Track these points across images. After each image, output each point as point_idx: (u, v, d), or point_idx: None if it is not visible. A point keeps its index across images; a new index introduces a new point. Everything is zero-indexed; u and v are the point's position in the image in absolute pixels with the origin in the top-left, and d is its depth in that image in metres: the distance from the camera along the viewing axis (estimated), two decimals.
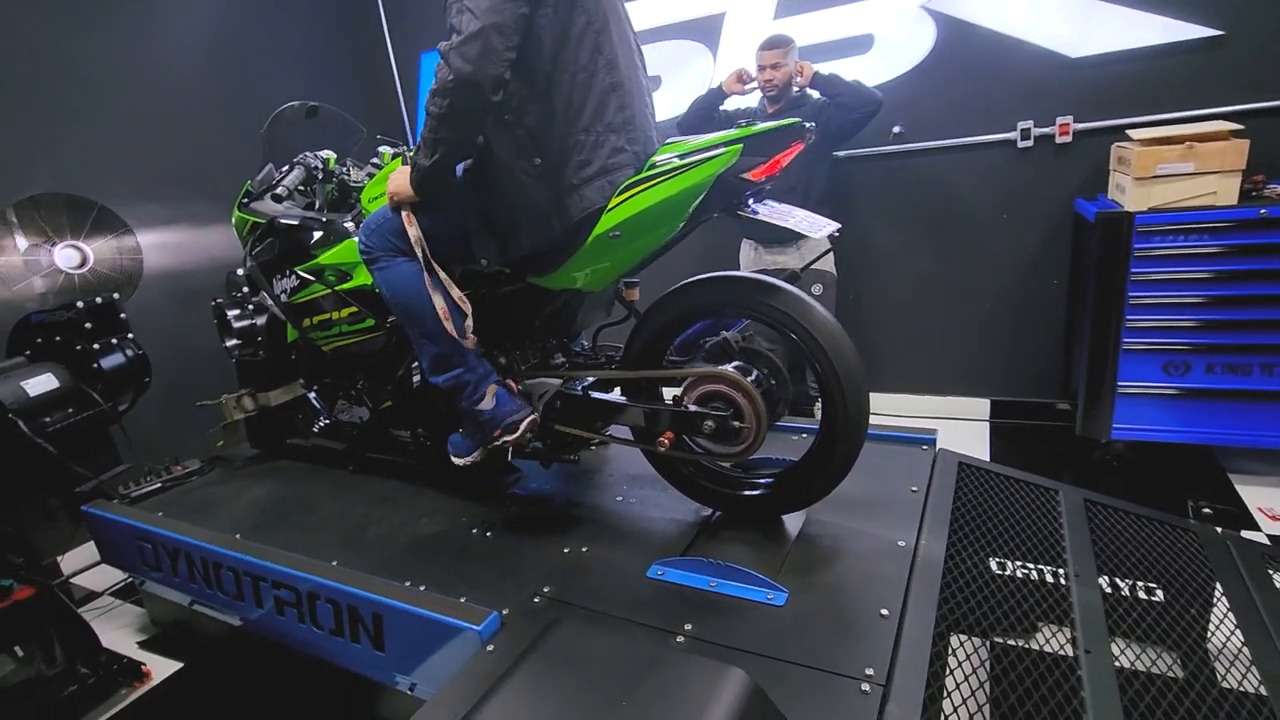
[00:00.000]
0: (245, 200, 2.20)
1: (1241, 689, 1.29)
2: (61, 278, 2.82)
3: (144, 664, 2.16)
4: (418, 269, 1.64)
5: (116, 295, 2.51)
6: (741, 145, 1.37)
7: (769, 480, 1.70)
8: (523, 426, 1.68)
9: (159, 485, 2.36)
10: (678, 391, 1.63)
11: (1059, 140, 2.97)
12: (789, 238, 3.06)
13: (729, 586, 1.50)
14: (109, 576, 2.68)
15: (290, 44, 3.78)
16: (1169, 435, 2.61)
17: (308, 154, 2.10)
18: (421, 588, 1.61)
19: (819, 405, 3.13)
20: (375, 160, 2.22)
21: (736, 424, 1.51)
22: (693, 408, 1.57)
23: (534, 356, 1.88)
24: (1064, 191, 3.01)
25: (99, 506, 2.23)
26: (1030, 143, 3.02)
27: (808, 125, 1.45)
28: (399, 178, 1.60)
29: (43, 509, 2.37)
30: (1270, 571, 1.64)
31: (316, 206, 2.16)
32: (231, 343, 2.45)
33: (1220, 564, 1.66)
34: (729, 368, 1.53)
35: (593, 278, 1.59)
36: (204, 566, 1.95)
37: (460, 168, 1.60)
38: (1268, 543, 2.16)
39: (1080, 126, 2.92)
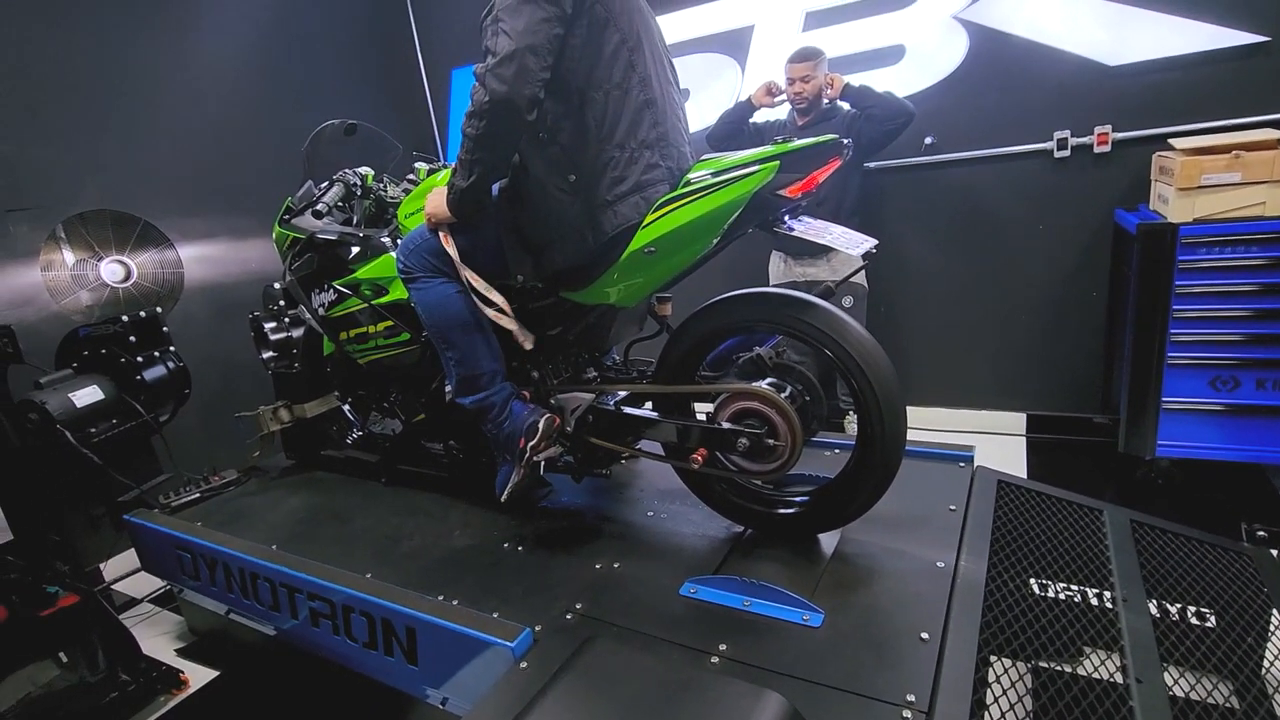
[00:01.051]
0: (286, 216, 2.25)
1: None
2: (107, 291, 2.91)
3: (181, 672, 2.19)
4: (454, 290, 1.66)
5: (159, 309, 2.58)
6: (778, 162, 1.36)
7: (805, 498, 1.67)
8: (541, 425, 1.68)
9: (198, 495, 2.41)
10: (710, 407, 1.62)
11: (1097, 150, 2.91)
12: (818, 250, 3.04)
13: (763, 606, 1.48)
14: (148, 583, 2.74)
15: (325, 62, 3.88)
16: (1218, 453, 2.52)
17: (347, 171, 2.15)
18: (454, 602, 1.62)
19: (849, 418, 3.13)
20: (411, 176, 2.26)
21: (771, 441, 1.49)
22: (727, 425, 1.55)
23: (566, 371, 1.89)
24: (1103, 202, 2.94)
25: (140, 516, 2.28)
26: (1067, 152, 2.96)
27: (845, 142, 1.44)
28: (436, 199, 1.62)
29: (87, 517, 2.43)
30: None
31: (354, 222, 2.20)
32: (268, 355, 2.50)
33: (1277, 589, 1.60)
34: (763, 384, 1.52)
35: (626, 293, 1.59)
36: (241, 576, 1.98)
37: (495, 186, 1.61)
38: None
39: (1119, 136, 2.86)
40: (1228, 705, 1.28)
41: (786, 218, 1.51)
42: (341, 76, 3.98)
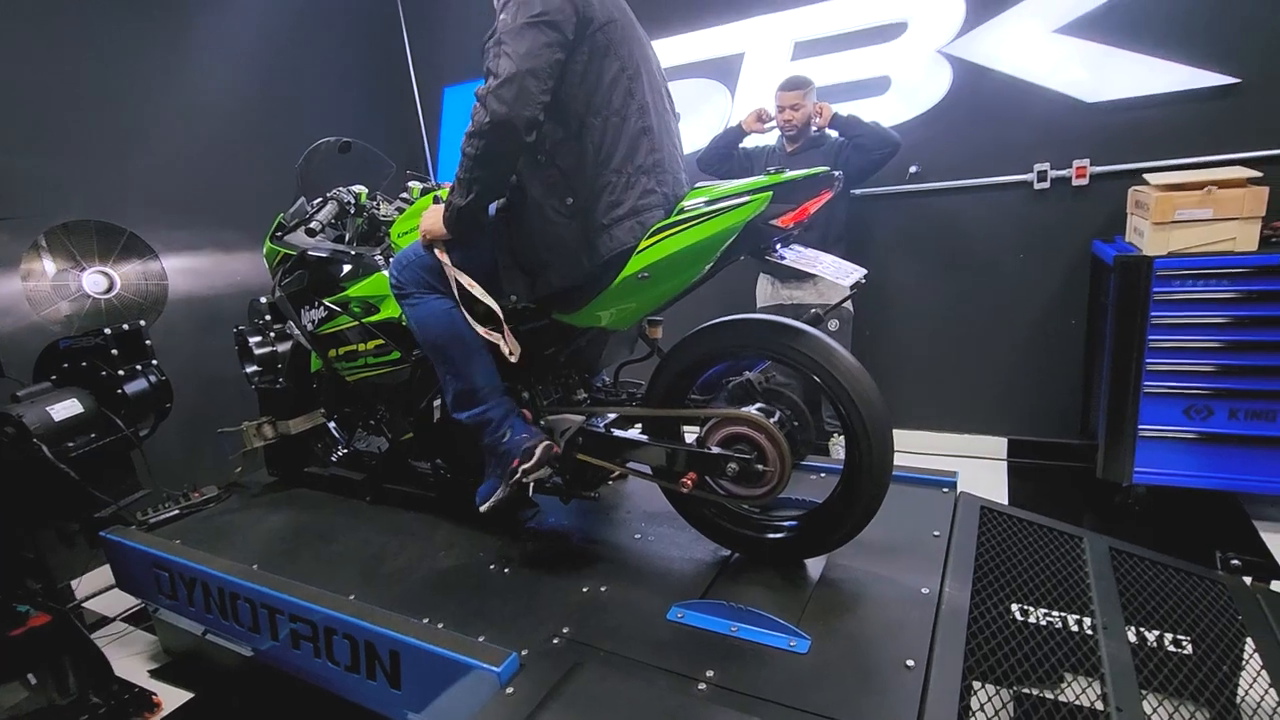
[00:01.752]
0: (279, 233, 2.25)
1: None
2: (89, 302, 2.87)
3: (155, 694, 2.14)
4: (448, 306, 1.67)
5: (143, 323, 2.55)
6: (771, 193, 1.39)
7: (793, 523, 1.68)
8: (539, 452, 1.68)
9: (177, 512, 2.37)
10: (699, 430, 1.63)
11: (1076, 183, 2.99)
12: (806, 274, 3.08)
13: (750, 632, 1.48)
14: (121, 602, 2.67)
15: (318, 79, 3.89)
16: (1192, 480, 2.58)
17: (341, 189, 2.15)
18: (439, 625, 1.60)
19: (834, 441, 3.15)
20: (405, 195, 2.27)
21: (760, 467, 1.51)
22: (716, 450, 1.57)
23: (556, 392, 1.90)
24: (1081, 233, 3.02)
25: (117, 533, 2.23)
26: (1047, 184, 3.04)
27: (836, 175, 1.48)
28: (432, 216, 1.63)
29: (61, 533, 2.38)
30: None
31: (346, 240, 2.20)
32: (251, 369, 2.48)
33: (1251, 617, 1.63)
34: (753, 410, 1.53)
35: (618, 317, 1.61)
36: (220, 596, 1.94)
37: (493, 206, 1.63)
38: None
39: (1097, 170, 2.94)
40: None
41: (778, 246, 1.54)
42: (334, 93, 3.99)
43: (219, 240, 3.34)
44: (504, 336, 1.65)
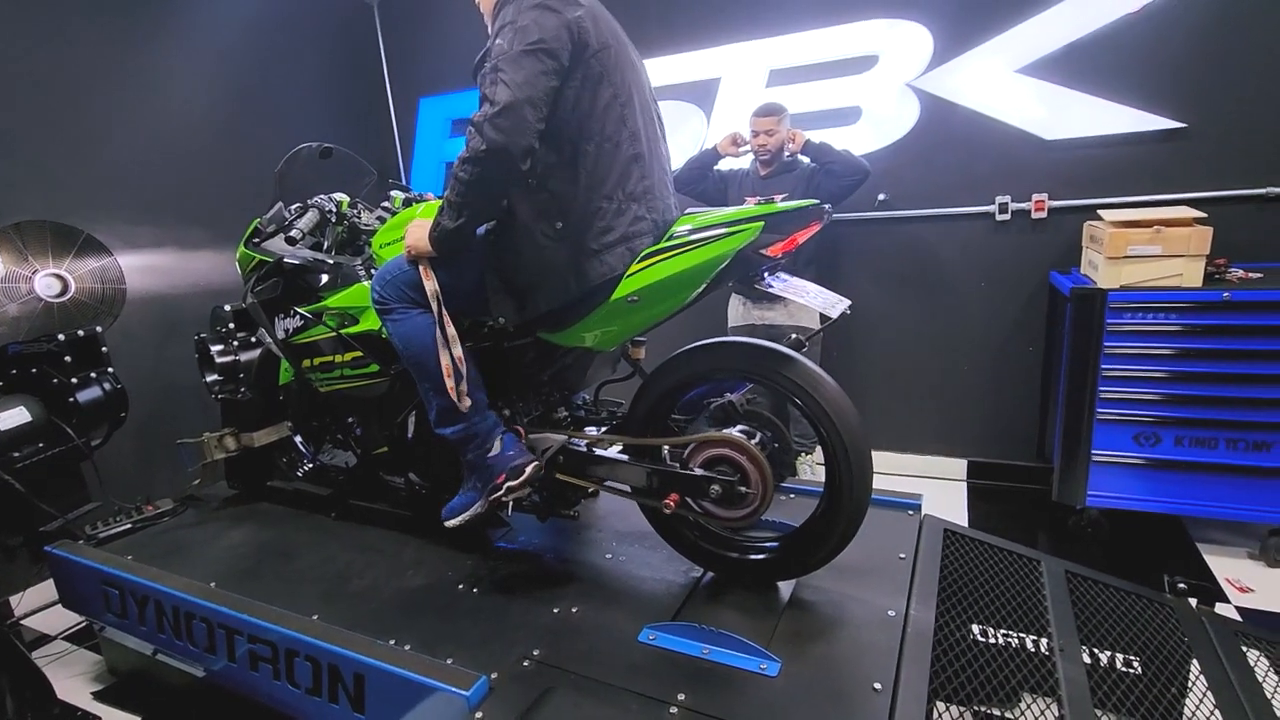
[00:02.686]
0: (255, 240, 2.19)
1: None
2: (40, 305, 2.76)
3: (99, 717, 2.05)
4: (431, 321, 1.66)
5: (100, 329, 2.46)
6: (763, 222, 1.42)
7: (774, 545, 1.70)
8: (528, 471, 1.67)
9: (129, 526, 2.28)
10: (681, 450, 1.64)
11: (1034, 215, 3.11)
12: (777, 296, 3.13)
13: (721, 654, 1.49)
14: (63, 619, 2.55)
15: (292, 85, 3.83)
16: (1141, 504, 2.68)
17: (321, 196, 2.11)
18: (406, 647, 1.58)
19: (801, 459, 3.20)
20: (386, 205, 2.24)
21: (743, 489, 1.52)
22: (699, 471, 1.58)
23: (537, 409, 1.89)
24: (1039, 264, 3.14)
25: (64, 547, 2.14)
26: (1008, 216, 3.16)
27: (826, 208, 1.52)
28: (417, 232, 1.61)
29: (2, 547, 2.27)
30: (1244, 649, 1.69)
31: (324, 248, 2.17)
32: (212, 378, 2.41)
33: (1196, 639, 1.70)
34: (735, 432, 1.55)
35: (603, 338, 1.61)
36: (174, 615, 1.87)
37: (482, 228, 1.63)
38: (1239, 617, 2.21)
39: (1055, 204, 3.07)
40: None
41: (766, 275, 1.57)
42: (305, 99, 3.94)
43: (181, 244, 3.25)
44: (454, 388, 1.62)
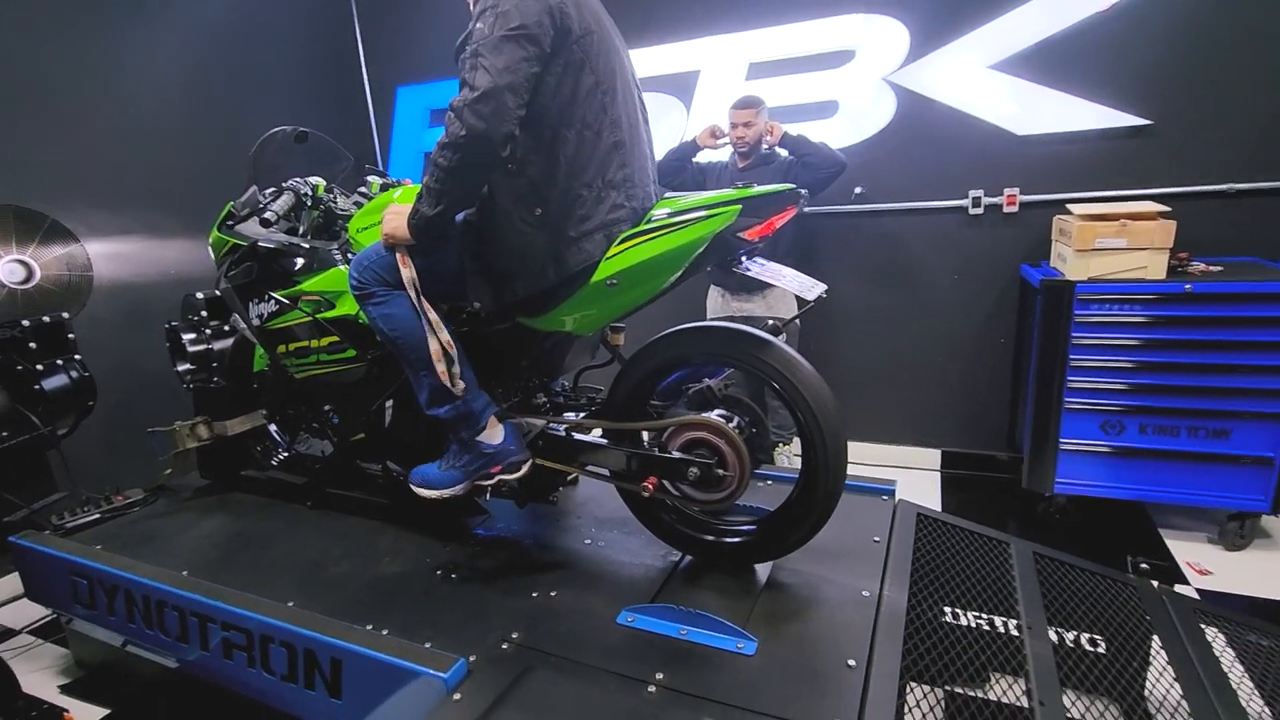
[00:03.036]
0: (229, 222, 2.16)
1: None
2: (3, 292, 2.69)
3: (66, 710, 2.01)
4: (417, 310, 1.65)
5: (66, 315, 2.40)
6: (741, 206, 1.43)
7: (751, 528, 1.72)
8: (524, 469, 1.69)
9: (97, 516, 2.24)
10: (659, 435, 1.65)
11: (1006, 210, 3.18)
12: (756, 286, 3.17)
13: (699, 635, 1.51)
14: (28, 612, 2.50)
15: (267, 72, 3.77)
16: (1106, 491, 2.76)
17: (297, 180, 2.08)
18: (384, 632, 1.57)
19: (779, 449, 3.23)
20: (363, 190, 2.22)
21: (721, 472, 1.54)
22: (677, 454, 1.59)
23: (516, 395, 1.89)
24: (1010, 257, 3.21)
25: (29, 538, 2.09)
26: (981, 210, 3.22)
27: (802, 193, 1.53)
28: (395, 219, 1.60)
29: None
30: (1202, 625, 1.75)
31: (300, 232, 2.14)
32: (184, 368, 2.37)
33: (1157, 618, 1.76)
34: (714, 416, 1.57)
35: (583, 322, 1.62)
36: (145, 605, 1.84)
37: (461, 214, 1.62)
38: (1198, 597, 2.29)
39: (1026, 198, 3.14)
40: None
41: (744, 258, 1.58)
42: (282, 87, 3.87)
43: (151, 231, 3.18)
44: (445, 362, 1.62)
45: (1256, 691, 1.56)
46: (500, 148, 1.41)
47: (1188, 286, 2.52)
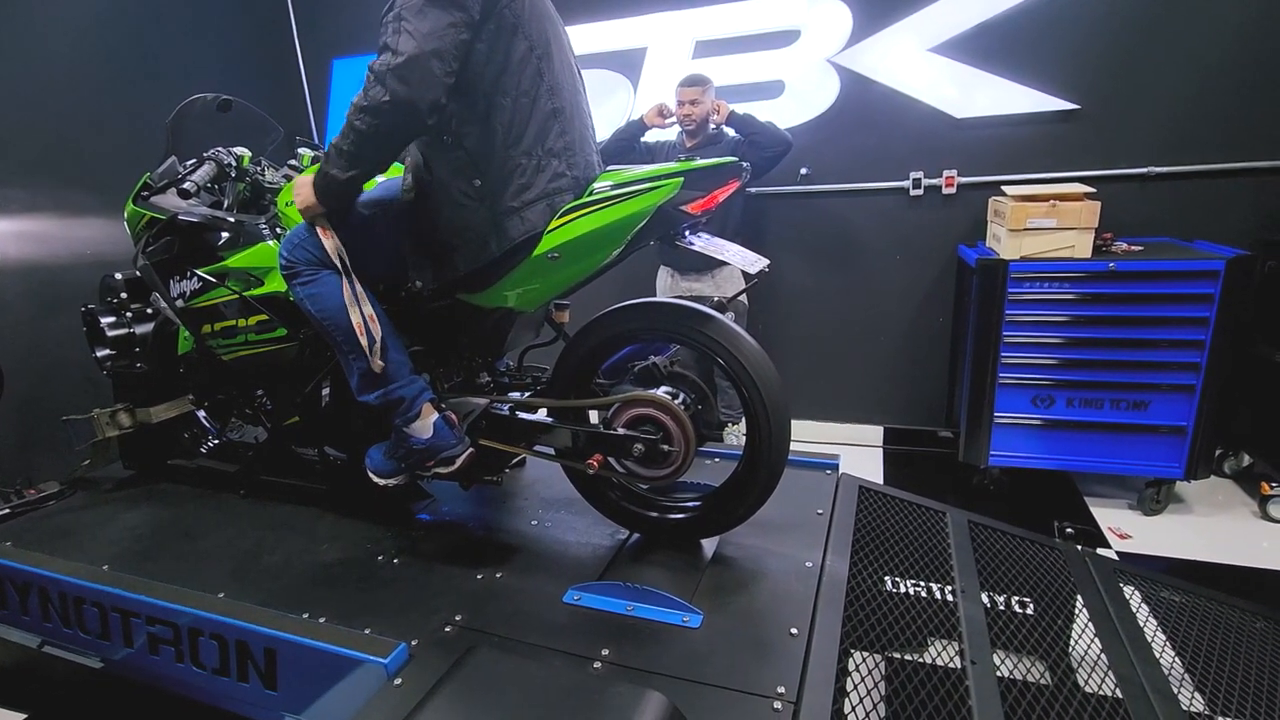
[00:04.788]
0: (144, 194, 2.02)
1: (1100, 693, 1.44)
2: None
3: None
4: (342, 281, 1.59)
5: None
6: (682, 179, 1.42)
7: (696, 503, 1.73)
8: (460, 461, 1.64)
9: (7, 511, 2.10)
10: (605, 412, 1.64)
11: (945, 191, 3.26)
12: (704, 265, 3.17)
13: (646, 610, 1.51)
14: None
15: (195, 38, 3.55)
16: (1036, 462, 2.89)
17: (220, 150, 1.96)
18: (321, 619, 1.52)
19: (728, 429, 3.26)
20: (293, 162, 2.12)
21: (666, 447, 1.54)
22: (622, 431, 1.58)
23: (459, 375, 1.84)
24: (949, 237, 3.30)
25: None
26: (921, 191, 3.29)
27: (744, 166, 1.53)
28: (305, 189, 1.53)
29: None
30: (1121, 584, 1.85)
31: (225, 205, 2.02)
32: (104, 353, 2.23)
33: (1081, 579, 1.85)
34: (659, 392, 1.56)
35: (525, 298, 1.59)
36: (62, 602, 1.74)
37: (393, 188, 1.55)
38: (1118, 559, 2.42)
39: (963, 180, 3.22)
40: (1043, 682, 1.47)
41: (687, 233, 1.58)
42: (207, 56, 3.65)
43: (62, 209, 2.97)
44: (366, 337, 1.57)
45: (1169, 644, 1.66)
46: (427, 116, 1.37)
47: (1111, 265, 2.64)
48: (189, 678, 1.60)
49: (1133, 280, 2.64)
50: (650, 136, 3.23)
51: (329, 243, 1.55)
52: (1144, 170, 2.98)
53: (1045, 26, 2.97)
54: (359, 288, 1.56)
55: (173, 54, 3.44)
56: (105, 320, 2.23)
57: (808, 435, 3.64)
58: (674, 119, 3.12)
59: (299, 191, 1.54)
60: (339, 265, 1.55)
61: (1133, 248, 2.78)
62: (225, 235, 1.92)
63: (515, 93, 1.45)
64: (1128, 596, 1.81)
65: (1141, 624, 1.70)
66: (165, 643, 1.61)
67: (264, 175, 2.03)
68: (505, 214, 1.48)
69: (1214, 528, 2.72)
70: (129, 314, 2.26)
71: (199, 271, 1.89)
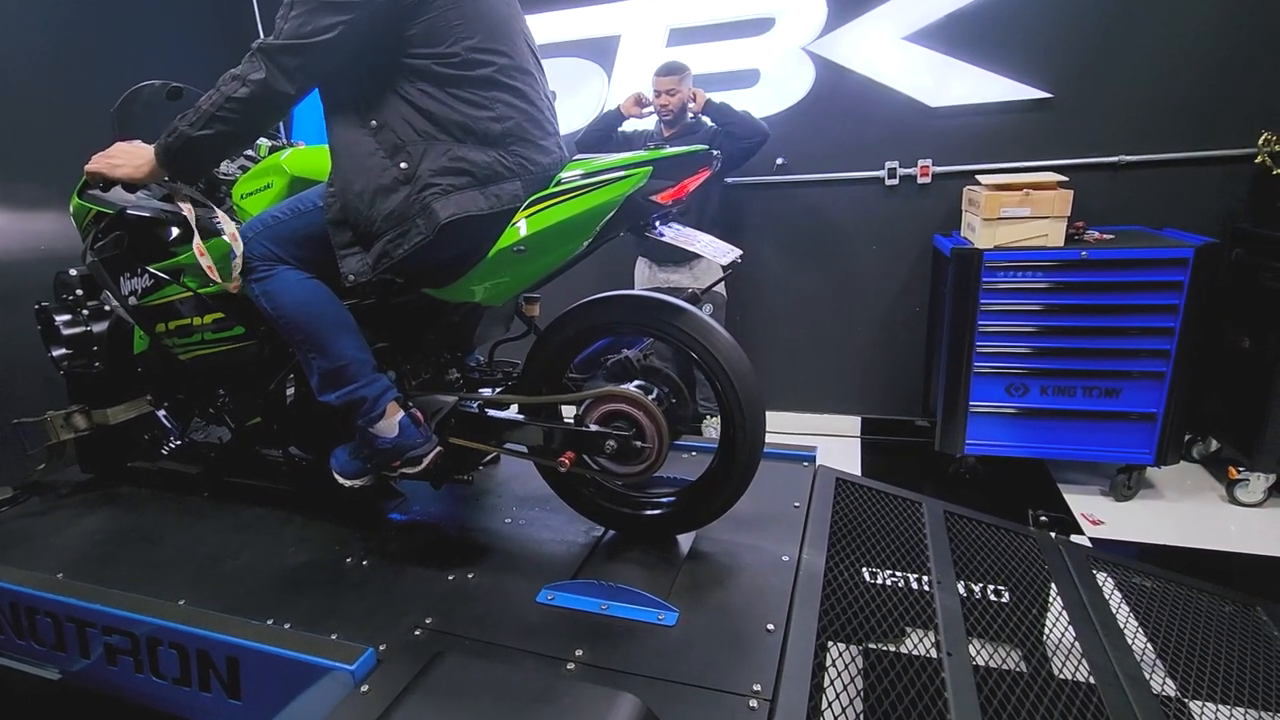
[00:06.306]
0: (90, 187, 1.94)
1: (1075, 679, 1.45)
2: None
3: None
4: (300, 277, 1.54)
5: None
6: (651, 168, 1.38)
7: (670, 499, 1.70)
8: (427, 460, 1.59)
9: None
10: (577, 408, 1.61)
11: (920, 180, 3.26)
12: (683, 257, 3.14)
13: (620, 609, 1.48)
14: None
15: (149, 24, 3.42)
16: (1011, 450, 2.91)
17: None
18: (286, 625, 1.48)
19: (706, 422, 3.25)
20: (250, 153, 2.04)
21: (639, 443, 1.51)
22: (594, 427, 1.55)
23: (427, 372, 1.79)
24: (924, 227, 3.30)
25: None
26: (896, 181, 3.29)
27: (715, 154, 1.49)
28: (137, 153, 1.52)
29: None
30: (1094, 571, 1.86)
31: None
32: (59, 352, 2.14)
33: (1055, 566, 1.86)
34: (632, 387, 1.53)
35: (493, 291, 1.54)
36: (14, 613, 1.67)
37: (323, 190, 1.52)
38: (1091, 545, 2.45)
39: (938, 170, 3.23)
40: (1018, 670, 1.48)
41: (658, 223, 1.54)
42: (167, 43, 3.53)
43: (13, 201, 2.85)
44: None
45: (1140, 629, 1.68)
46: (295, 103, 1.36)
47: (1084, 253, 2.66)
48: (149, 688, 1.54)
49: (1104, 269, 2.66)
50: (628, 125, 3.18)
51: (186, 210, 1.56)
52: (1115, 159, 3.00)
53: (1018, 15, 2.97)
54: (223, 218, 1.57)
55: (126, 39, 3.31)
56: (60, 318, 2.14)
57: (786, 426, 3.64)
58: (651, 108, 3.08)
59: (127, 153, 1.52)
60: (189, 217, 1.57)
61: (1104, 236, 2.80)
62: (176, 230, 1.84)
63: (447, 72, 1.38)
64: (1100, 583, 1.82)
65: (1114, 610, 1.71)
66: (123, 653, 1.55)
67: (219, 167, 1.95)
68: (434, 196, 1.39)
69: (1183, 512, 2.76)
70: (85, 311, 2.17)
71: (151, 268, 1.81)
